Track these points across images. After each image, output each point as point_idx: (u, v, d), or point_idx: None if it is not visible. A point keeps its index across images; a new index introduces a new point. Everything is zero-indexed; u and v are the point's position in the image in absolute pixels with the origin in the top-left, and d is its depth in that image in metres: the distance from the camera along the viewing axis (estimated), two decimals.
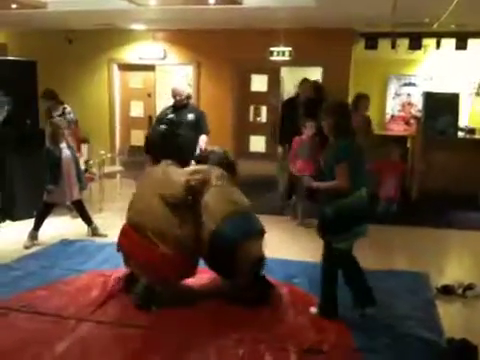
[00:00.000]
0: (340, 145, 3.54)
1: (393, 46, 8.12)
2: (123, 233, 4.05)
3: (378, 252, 5.35)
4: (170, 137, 5.62)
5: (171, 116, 5.87)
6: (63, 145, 5.58)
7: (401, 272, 4.77)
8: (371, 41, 8.35)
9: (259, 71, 8.91)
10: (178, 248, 3.79)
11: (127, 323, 3.59)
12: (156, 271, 3.80)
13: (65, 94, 9.27)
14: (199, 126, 5.84)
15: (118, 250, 4.11)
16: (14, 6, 6.35)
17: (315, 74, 9.22)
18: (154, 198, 3.89)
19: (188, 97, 6.11)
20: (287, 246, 5.63)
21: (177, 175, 4.05)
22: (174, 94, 5.85)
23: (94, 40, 9.07)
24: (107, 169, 7.98)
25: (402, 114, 9.50)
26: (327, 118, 3.58)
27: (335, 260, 3.62)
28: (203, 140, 5.81)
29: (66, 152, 5.55)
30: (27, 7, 6.51)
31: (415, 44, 8.08)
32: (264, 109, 9.34)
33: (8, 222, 6.19)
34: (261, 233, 4.05)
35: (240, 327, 3.59)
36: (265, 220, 6.72)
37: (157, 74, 9.30)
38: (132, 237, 3.92)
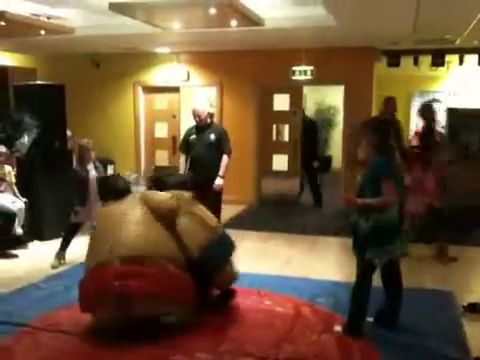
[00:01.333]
0: (383, 161, 3.57)
1: (415, 63, 8.12)
2: (127, 276, 3.55)
3: (404, 269, 5.29)
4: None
5: (194, 137, 5.93)
6: (90, 166, 5.71)
7: (428, 290, 4.71)
8: (393, 58, 8.35)
9: (281, 90, 8.97)
10: (180, 267, 3.83)
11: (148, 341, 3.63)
12: (179, 295, 3.76)
13: (92, 116, 9.54)
14: (221, 145, 5.88)
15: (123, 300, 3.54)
16: (43, 32, 6.55)
17: (337, 93, 9.26)
18: (145, 218, 3.85)
19: (210, 116, 6.19)
20: (310, 265, 5.61)
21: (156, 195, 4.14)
22: (195, 115, 5.91)
23: (120, 63, 9.28)
24: (133, 189, 8.09)
25: None
26: (369, 135, 3.61)
27: (367, 274, 3.62)
28: (225, 159, 5.85)
29: (93, 173, 5.68)
30: (55, 33, 6.71)
31: (438, 61, 8.06)
32: (286, 128, 9.38)
33: (36, 242, 6.32)
34: (234, 251, 4.24)
35: (261, 345, 3.60)
36: (288, 239, 6.80)
37: (181, 95, 9.44)
38: (143, 272, 3.61)
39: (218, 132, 5.96)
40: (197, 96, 9.33)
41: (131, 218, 3.82)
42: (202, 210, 4.21)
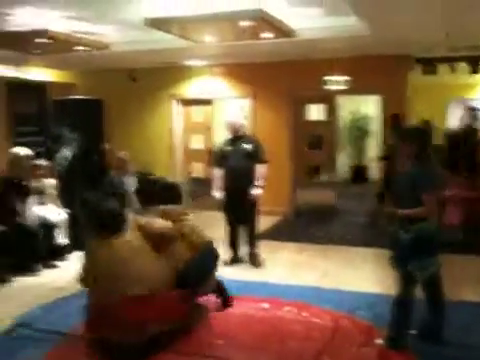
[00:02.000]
0: (422, 172, 3.51)
1: (452, 70, 8.00)
2: (142, 307, 3.66)
3: (445, 282, 5.20)
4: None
5: (228, 149, 5.95)
6: (127, 178, 5.84)
7: (471, 303, 4.60)
8: (429, 66, 8.24)
9: (315, 100, 8.97)
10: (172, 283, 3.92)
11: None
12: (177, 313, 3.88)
13: (129, 129, 9.73)
14: (256, 155, 5.88)
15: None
16: (80, 48, 6.74)
17: (372, 102, 9.19)
18: (146, 249, 3.84)
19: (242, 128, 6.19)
20: (348, 276, 5.56)
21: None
22: (229, 127, 5.96)
23: (156, 77, 9.45)
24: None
25: None
26: (410, 144, 3.55)
27: (409, 287, 3.57)
28: (261, 169, 5.85)
29: (130, 184, 5.80)
30: (93, 49, 6.88)
31: (475, 67, 7.91)
32: (321, 139, 9.35)
33: (77, 253, 6.43)
34: (216, 264, 4.47)
35: (300, 357, 3.59)
36: (325, 250, 6.74)
37: (215, 108, 9.54)
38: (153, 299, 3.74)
39: (253, 142, 5.97)
40: (230, 108, 9.41)
41: (137, 253, 3.77)
42: (189, 226, 4.33)
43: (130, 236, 3.81)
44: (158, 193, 4.55)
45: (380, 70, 8.04)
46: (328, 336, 3.93)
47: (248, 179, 5.78)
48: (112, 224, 3.79)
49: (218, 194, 5.94)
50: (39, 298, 4.88)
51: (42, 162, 6.39)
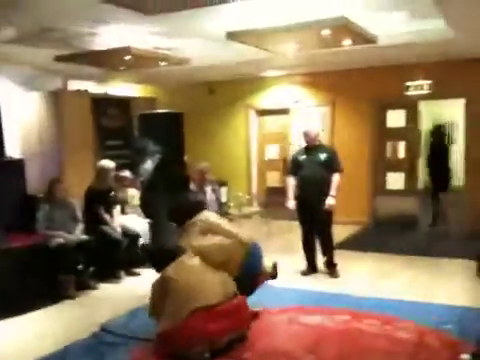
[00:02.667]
0: None
1: None
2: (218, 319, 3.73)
3: None
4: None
5: (303, 158, 5.90)
6: (207, 188, 5.94)
7: None
8: None
9: (396, 106, 8.70)
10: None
11: None
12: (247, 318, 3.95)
13: (207, 140, 9.94)
14: (331, 165, 5.79)
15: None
16: (163, 64, 6.99)
17: (456, 107, 8.79)
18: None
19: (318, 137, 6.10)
20: (433, 288, 5.32)
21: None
22: (305, 135, 5.93)
23: (232, 89, 9.61)
24: (245, 210, 8.28)
25: None
26: None
27: None
28: (336, 179, 5.76)
29: (210, 195, 5.89)
30: (174, 63, 7.12)
31: None
32: (402, 145, 9.05)
33: None
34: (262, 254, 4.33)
35: None
36: (407, 261, 6.50)
37: (291, 117, 9.52)
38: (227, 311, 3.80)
39: (328, 151, 5.91)
40: (307, 117, 9.35)
41: (203, 269, 3.84)
42: (227, 226, 4.18)
43: (192, 259, 3.85)
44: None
45: (465, 74, 7.71)
46: (411, 351, 3.77)
47: (322, 189, 5.70)
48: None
49: (290, 204, 5.93)
50: (122, 305, 5.05)
51: (126, 174, 6.66)
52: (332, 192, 5.70)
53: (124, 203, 6.53)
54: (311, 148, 5.89)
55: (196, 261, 3.81)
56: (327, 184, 5.72)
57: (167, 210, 4.40)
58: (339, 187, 5.79)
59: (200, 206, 4.14)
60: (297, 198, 5.88)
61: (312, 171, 5.77)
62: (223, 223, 4.17)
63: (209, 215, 4.15)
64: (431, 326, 4.18)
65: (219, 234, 3.98)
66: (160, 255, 3.95)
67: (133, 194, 6.65)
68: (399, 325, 4.25)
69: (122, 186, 6.55)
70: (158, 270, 3.87)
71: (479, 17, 4.93)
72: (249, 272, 4.06)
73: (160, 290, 3.85)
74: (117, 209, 6.28)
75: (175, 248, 3.88)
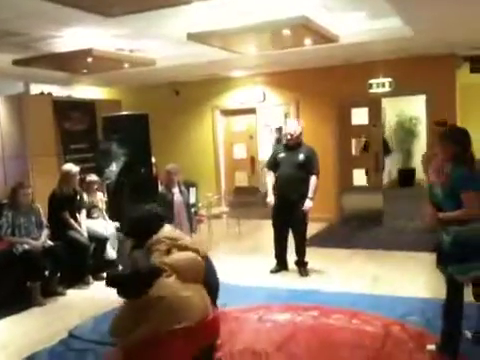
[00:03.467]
0: (462, 173, 3.37)
1: None
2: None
3: None
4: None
5: (282, 156, 5.81)
6: (175, 190, 5.92)
7: None
8: (476, 64, 8.00)
9: (359, 104, 8.85)
10: None
11: None
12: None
13: (174, 142, 9.91)
14: (309, 166, 5.70)
15: None
16: (126, 65, 6.94)
17: (418, 103, 9.00)
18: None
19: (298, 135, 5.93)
20: (398, 282, 5.44)
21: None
22: (286, 134, 5.83)
23: (198, 89, 9.60)
24: (214, 210, 8.30)
25: None
26: (452, 144, 3.43)
27: (454, 290, 3.47)
28: (314, 180, 5.69)
29: (178, 196, 5.88)
30: (138, 65, 7.08)
31: None
32: (366, 142, 9.22)
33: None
34: None
35: None
36: (374, 256, 6.63)
37: (258, 116, 9.57)
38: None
39: (308, 152, 5.77)
40: (273, 116, 9.43)
41: (184, 287, 3.54)
42: (188, 240, 3.91)
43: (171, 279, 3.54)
44: None
45: (425, 70, 7.89)
46: (378, 343, 3.86)
47: (298, 189, 5.64)
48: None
49: (270, 200, 5.85)
50: (91, 310, 4.99)
51: (93, 178, 6.58)
52: (310, 194, 5.65)
53: (91, 207, 6.45)
54: (291, 147, 5.79)
55: (174, 279, 3.50)
56: (304, 184, 5.65)
57: (126, 226, 4.02)
58: (315, 189, 5.71)
59: (160, 219, 3.76)
60: (274, 195, 5.82)
61: (289, 171, 5.68)
62: (183, 237, 3.90)
63: (171, 230, 3.88)
64: (397, 318, 4.28)
65: (184, 249, 3.81)
66: (138, 281, 3.61)
67: (99, 198, 6.59)
68: (366, 318, 4.34)
69: (90, 190, 6.47)
70: (134, 297, 3.46)
71: (433, 15, 5.06)
72: (212, 284, 3.98)
73: (135, 316, 3.42)
74: (83, 213, 6.20)
75: (154, 270, 3.60)
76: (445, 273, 3.48)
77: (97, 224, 6.30)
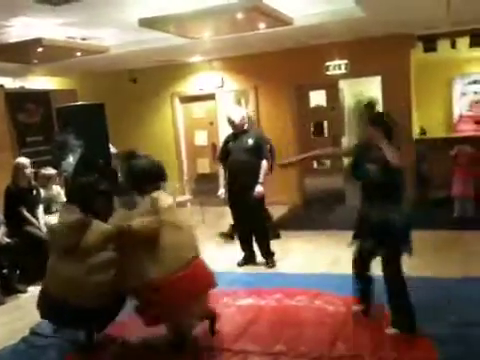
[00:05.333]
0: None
1: (453, 46, 7.88)
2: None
3: (455, 258, 5.20)
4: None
5: (232, 144, 5.70)
6: None
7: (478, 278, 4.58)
8: (429, 43, 8.11)
9: (317, 87, 8.91)
10: None
11: None
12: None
13: (133, 130, 9.77)
14: (258, 151, 5.58)
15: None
16: (79, 54, 6.77)
17: (375, 84, 9.12)
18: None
19: (248, 119, 5.86)
20: None
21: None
22: (229, 121, 5.69)
23: (156, 76, 9.47)
24: (178, 198, 8.23)
25: (471, 113, 9.13)
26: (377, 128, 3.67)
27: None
28: (264, 165, 5.55)
29: None
30: (90, 53, 6.92)
31: (476, 41, 7.77)
32: (325, 124, 9.32)
33: None
34: None
35: (315, 344, 3.62)
36: (335, 237, 6.73)
37: (217, 102, 9.52)
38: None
39: (256, 136, 5.66)
40: (230, 101, 9.38)
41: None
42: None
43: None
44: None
45: (380, 51, 7.97)
46: (340, 321, 3.93)
47: (250, 176, 5.48)
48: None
49: (221, 193, 5.78)
50: None
51: (50, 171, 6.43)
52: (260, 179, 5.49)
53: (49, 202, 6.31)
54: (239, 133, 5.66)
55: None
56: (255, 170, 5.50)
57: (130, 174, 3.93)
58: (265, 174, 5.56)
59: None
60: (227, 185, 5.70)
61: (239, 157, 5.55)
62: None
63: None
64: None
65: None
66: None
67: (58, 191, 6.45)
68: (328, 298, 4.42)
69: (47, 183, 6.32)
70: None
71: None
72: None
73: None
74: (41, 208, 6.05)
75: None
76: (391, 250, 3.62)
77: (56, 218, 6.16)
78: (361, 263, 3.92)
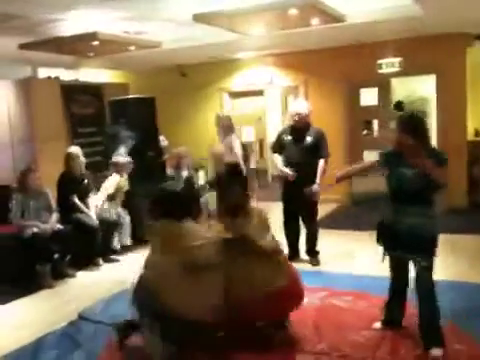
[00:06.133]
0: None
1: None
2: None
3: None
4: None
5: (288, 138, 5.46)
6: (184, 172, 5.91)
7: None
8: None
9: (368, 84, 8.74)
10: None
11: None
12: None
13: (181, 124, 9.88)
14: (317, 150, 5.38)
15: None
16: (132, 48, 6.90)
17: (428, 83, 8.88)
18: None
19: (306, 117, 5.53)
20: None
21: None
22: (295, 113, 5.41)
23: (205, 72, 9.53)
24: None
25: None
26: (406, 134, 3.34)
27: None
28: (322, 164, 5.37)
29: (184, 180, 5.88)
30: (144, 47, 7.04)
31: None
32: (375, 123, 9.14)
33: (137, 248, 6.56)
34: None
35: (358, 347, 3.55)
36: None
37: (266, 98, 9.50)
38: None
39: (316, 135, 5.41)
40: (278, 98, 9.34)
41: None
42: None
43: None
44: None
45: (435, 49, 7.78)
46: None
47: (306, 174, 5.30)
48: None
49: (287, 170, 5.40)
50: (101, 292, 5.05)
51: (122, 158, 6.49)
52: (317, 179, 5.32)
53: (119, 189, 6.38)
54: (299, 129, 5.41)
55: None
56: (312, 169, 5.33)
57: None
58: (323, 173, 5.38)
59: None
60: (282, 180, 5.59)
61: (296, 154, 5.36)
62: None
63: None
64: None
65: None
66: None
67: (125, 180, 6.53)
68: (375, 301, 4.32)
69: (120, 171, 6.38)
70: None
71: None
72: None
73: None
74: (92, 196, 6.21)
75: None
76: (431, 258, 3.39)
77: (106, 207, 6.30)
78: (400, 275, 3.67)
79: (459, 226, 6.60)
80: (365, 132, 9.17)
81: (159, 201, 3.69)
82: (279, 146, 5.58)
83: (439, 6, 5.61)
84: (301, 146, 5.38)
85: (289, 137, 5.47)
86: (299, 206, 5.53)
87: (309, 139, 5.39)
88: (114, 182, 6.26)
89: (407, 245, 3.39)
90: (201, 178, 8.68)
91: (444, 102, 7.96)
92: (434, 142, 8.71)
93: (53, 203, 5.79)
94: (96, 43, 6.22)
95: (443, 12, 5.98)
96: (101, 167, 7.10)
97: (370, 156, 8.97)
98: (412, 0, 5.32)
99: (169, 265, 3.36)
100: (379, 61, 8.21)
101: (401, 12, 5.91)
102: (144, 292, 3.46)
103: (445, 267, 4.85)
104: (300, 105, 5.65)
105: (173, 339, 3.38)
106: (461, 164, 7.79)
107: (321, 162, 5.38)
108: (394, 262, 3.63)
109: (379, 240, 3.62)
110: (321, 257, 5.72)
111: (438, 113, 8.25)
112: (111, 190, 6.20)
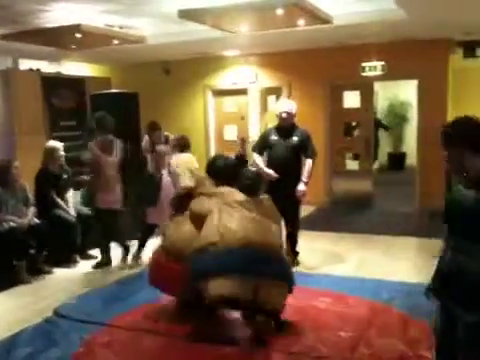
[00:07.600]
0: None
1: None
2: None
3: None
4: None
5: (275, 138, 5.42)
6: (164, 171, 5.86)
7: None
8: (470, 49, 7.96)
9: (351, 87, 8.80)
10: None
11: None
12: None
13: (163, 121, 9.77)
14: (304, 149, 5.37)
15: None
16: (115, 42, 6.82)
17: (411, 88, 8.99)
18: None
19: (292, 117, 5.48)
20: (385, 266, 5.46)
21: None
22: (281, 112, 5.37)
23: (189, 69, 9.48)
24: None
25: None
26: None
27: None
28: (309, 164, 5.35)
29: (166, 178, 5.81)
30: (127, 42, 6.96)
31: None
32: (357, 126, 9.22)
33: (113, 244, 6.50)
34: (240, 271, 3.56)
35: (336, 347, 3.56)
36: (362, 240, 6.66)
37: (249, 97, 9.49)
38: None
39: (302, 135, 5.40)
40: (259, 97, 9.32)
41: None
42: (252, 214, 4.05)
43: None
44: None
45: (418, 54, 7.85)
46: (365, 327, 3.87)
47: (292, 174, 5.29)
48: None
49: (272, 172, 5.29)
50: (77, 289, 5.01)
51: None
52: (304, 178, 5.29)
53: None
54: (285, 129, 5.39)
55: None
56: (296, 168, 5.35)
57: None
58: (311, 173, 5.36)
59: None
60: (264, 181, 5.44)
61: (282, 154, 5.33)
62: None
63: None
64: (382, 302, 4.31)
65: None
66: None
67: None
68: (353, 302, 4.36)
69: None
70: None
71: None
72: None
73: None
74: (70, 192, 6.12)
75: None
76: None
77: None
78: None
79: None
80: (345, 134, 9.24)
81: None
82: (263, 147, 5.55)
83: (422, 11, 5.66)
84: (287, 145, 5.36)
85: (275, 137, 5.44)
86: (283, 206, 5.48)
87: (295, 139, 5.38)
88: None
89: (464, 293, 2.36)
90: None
91: (425, 107, 8.04)
92: (414, 148, 8.84)
93: (31, 197, 5.70)
94: (79, 35, 6.13)
95: (426, 17, 6.04)
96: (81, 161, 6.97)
97: (350, 158, 9.07)
98: (396, 4, 5.36)
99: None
100: (362, 64, 8.27)
101: (385, 15, 5.95)
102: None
103: None
104: (288, 104, 5.63)
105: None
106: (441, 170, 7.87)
107: (309, 162, 5.38)
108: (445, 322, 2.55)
109: None
110: (300, 258, 5.71)
111: (419, 118, 8.33)
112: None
